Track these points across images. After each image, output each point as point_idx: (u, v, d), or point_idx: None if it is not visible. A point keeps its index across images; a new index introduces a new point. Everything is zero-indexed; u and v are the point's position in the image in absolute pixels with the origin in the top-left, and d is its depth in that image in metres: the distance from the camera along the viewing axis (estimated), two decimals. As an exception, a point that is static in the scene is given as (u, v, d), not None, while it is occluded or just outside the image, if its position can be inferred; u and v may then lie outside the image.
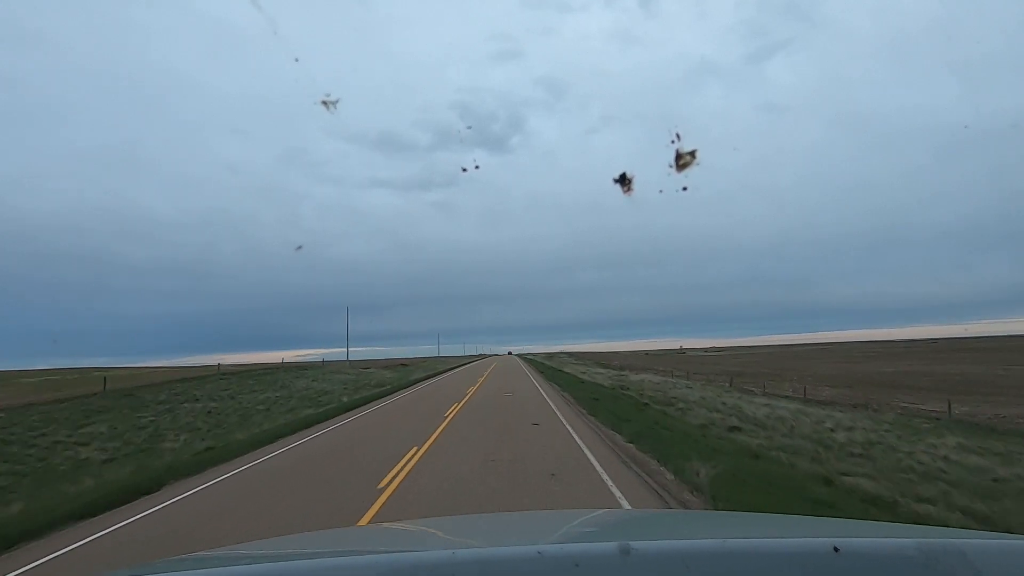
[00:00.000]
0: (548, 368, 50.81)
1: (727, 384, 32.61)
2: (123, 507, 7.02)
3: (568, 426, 12.38)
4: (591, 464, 8.24)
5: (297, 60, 2.21)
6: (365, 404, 20.43)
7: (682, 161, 1.79)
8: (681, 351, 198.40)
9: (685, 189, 1.81)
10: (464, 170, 2.14)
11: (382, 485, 7.35)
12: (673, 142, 1.79)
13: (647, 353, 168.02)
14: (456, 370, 54.73)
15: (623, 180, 1.85)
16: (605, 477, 7.35)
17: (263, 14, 1.93)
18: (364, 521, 5.85)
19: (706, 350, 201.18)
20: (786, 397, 25.32)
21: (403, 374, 44.04)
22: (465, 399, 19.90)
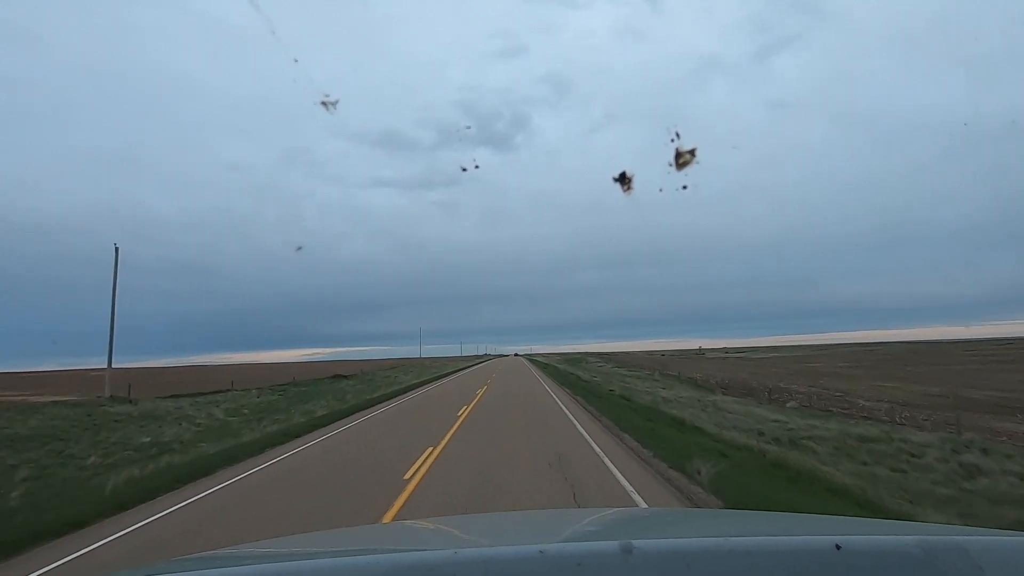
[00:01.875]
0: (606, 396, 22.12)
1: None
2: None
3: None
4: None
5: (296, 61, 2.30)
6: None
7: (682, 160, 1.85)
8: (700, 352, 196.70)
9: (685, 188, 1.88)
10: (464, 169, 2.23)
11: None
12: (672, 140, 1.85)
13: (663, 354, 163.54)
14: (411, 395, 27.13)
15: (623, 179, 1.91)
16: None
17: (261, 15, 2.02)
18: None
19: (726, 351, 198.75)
20: None
21: (249, 416, 19.74)
22: None
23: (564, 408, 17.97)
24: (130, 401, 24.52)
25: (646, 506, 6.98)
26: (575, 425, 13.88)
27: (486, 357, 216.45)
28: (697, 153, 1.83)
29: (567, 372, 46.40)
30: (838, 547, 0.89)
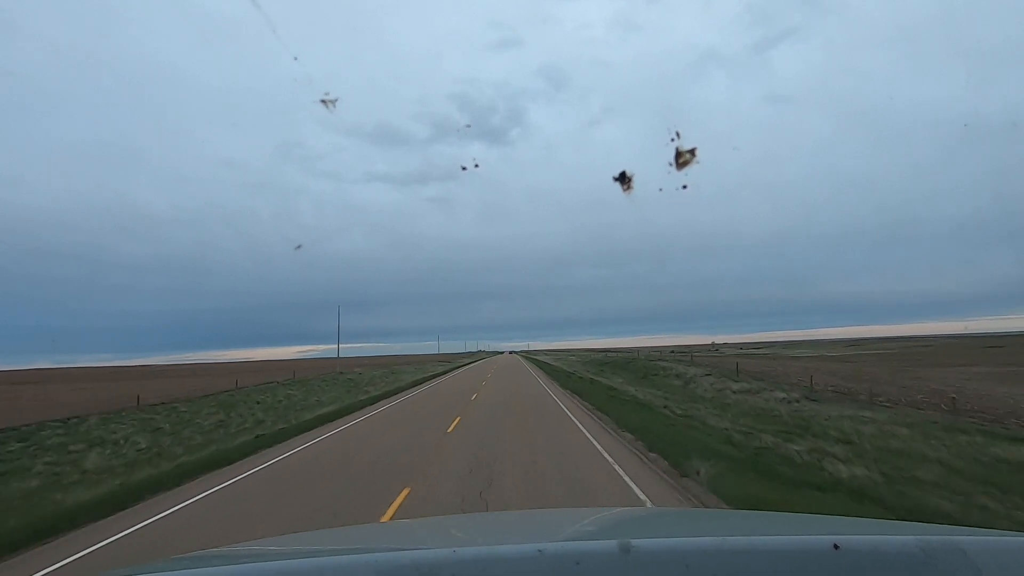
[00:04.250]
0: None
1: None
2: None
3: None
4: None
5: (297, 59, 2.39)
6: None
7: (682, 159, 1.94)
8: (714, 347, 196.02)
9: (685, 187, 1.97)
10: (464, 169, 2.33)
11: None
12: (673, 140, 1.95)
13: (673, 351, 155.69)
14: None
15: (623, 179, 2.01)
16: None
17: (262, 13, 2.12)
18: None
19: (742, 347, 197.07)
20: None
21: None
22: None
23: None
24: None
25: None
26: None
27: (478, 356, 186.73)
28: (697, 153, 1.92)
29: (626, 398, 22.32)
30: (836, 547, 0.93)
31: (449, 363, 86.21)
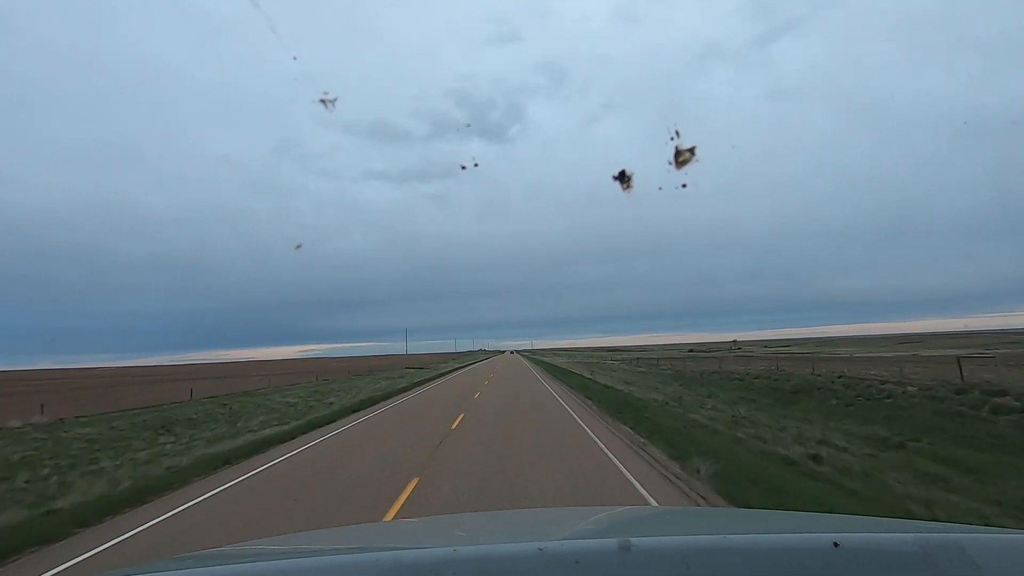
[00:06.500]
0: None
1: None
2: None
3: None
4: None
5: (295, 58, 2.50)
6: None
7: (681, 158, 2.03)
8: (736, 346, 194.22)
9: (684, 186, 2.06)
10: (463, 168, 2.42)
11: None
12: (672, 139, 2.04)
13: (691, 350, 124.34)
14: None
15: (623, 178, 2.10)
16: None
17: (262, 12, 2.23)
18: None
19: (765, 344, 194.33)
20: None
21: None
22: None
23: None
24: None
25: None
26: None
27: (476, 356, 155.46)
28: (697, 151, 2.01)
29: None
30: (836, 544, 0.97)
31: (420, 370, 57.53)
